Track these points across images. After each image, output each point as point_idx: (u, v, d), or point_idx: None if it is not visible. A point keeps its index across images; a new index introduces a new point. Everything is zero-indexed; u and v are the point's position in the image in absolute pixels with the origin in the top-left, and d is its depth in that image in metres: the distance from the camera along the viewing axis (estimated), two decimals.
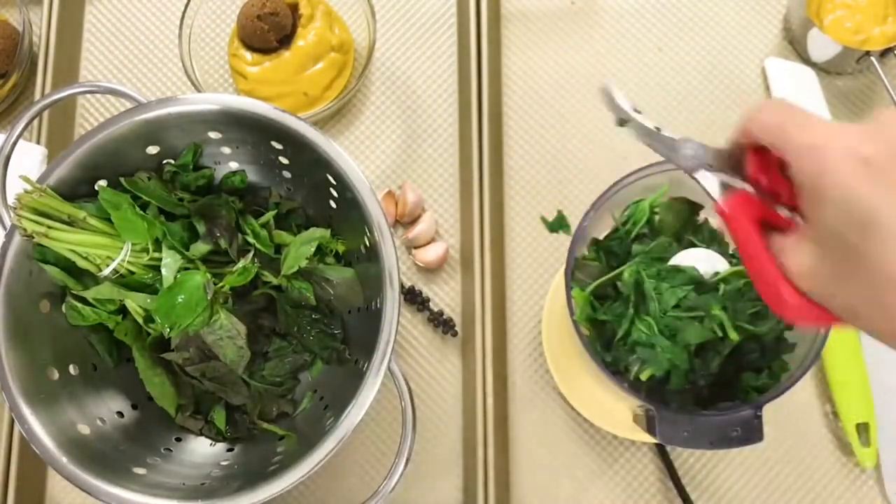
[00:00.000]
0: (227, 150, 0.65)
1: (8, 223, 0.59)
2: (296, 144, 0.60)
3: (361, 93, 0.79)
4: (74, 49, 0.81)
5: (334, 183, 0.61)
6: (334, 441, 0.54)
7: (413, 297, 0.74)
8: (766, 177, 0.40)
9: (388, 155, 0.78)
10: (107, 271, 0.58)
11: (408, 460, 0.54)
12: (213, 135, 0.62)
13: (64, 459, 0.55)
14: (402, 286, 0.74)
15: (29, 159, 0.72)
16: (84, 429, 0.59)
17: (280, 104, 0.61)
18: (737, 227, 0.40)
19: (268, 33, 0.74)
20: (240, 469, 0.62)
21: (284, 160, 0.65)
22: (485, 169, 0.72)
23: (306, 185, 0.67)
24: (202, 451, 0.66)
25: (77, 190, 0.60)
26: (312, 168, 0.61)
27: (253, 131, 0.61)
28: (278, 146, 0.62)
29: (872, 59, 0.72)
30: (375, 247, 0.58)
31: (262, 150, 0.64)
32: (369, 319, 0.60)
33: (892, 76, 0.74)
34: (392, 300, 0.56)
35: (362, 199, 0.58)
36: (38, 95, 0.76)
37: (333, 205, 0.65)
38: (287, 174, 0.67)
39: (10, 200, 0.57)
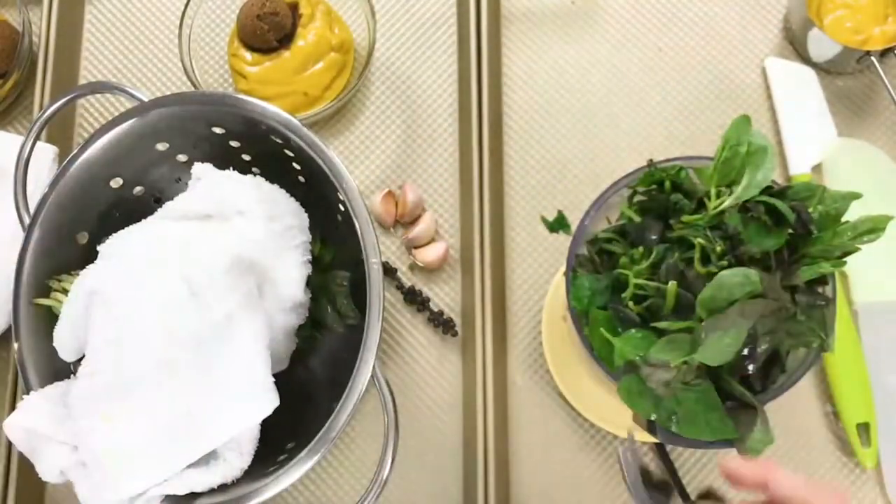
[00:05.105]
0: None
1: (27, 225, 0.60)
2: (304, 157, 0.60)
3: (361, 93, 0.79)
4: (74, 49, 0.81)
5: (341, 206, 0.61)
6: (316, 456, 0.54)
7: (413, 298, 0.73)
8: None
9: (388, 155, 0.78)
10: None
11: (390, 471, 0.54)
12: (217, 130, 0.63)
13: None
14: (402, 286, 0.74)
15: (41, 159, 0.72)
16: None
17: (280, 104, 0.61)
18: None
19: (268, 33, 0.74)
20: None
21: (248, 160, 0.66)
22: (485, 169, 0.72)
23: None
24: None
25: (92, 189, 0.62)
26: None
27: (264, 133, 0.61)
28: (290, 154, 0.62)
29: (873, 58, 0.72)
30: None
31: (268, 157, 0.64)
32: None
33: (892, 76, 0.74)
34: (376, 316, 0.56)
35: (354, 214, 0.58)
36: (37, 95, 0.76)
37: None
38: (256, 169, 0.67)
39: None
